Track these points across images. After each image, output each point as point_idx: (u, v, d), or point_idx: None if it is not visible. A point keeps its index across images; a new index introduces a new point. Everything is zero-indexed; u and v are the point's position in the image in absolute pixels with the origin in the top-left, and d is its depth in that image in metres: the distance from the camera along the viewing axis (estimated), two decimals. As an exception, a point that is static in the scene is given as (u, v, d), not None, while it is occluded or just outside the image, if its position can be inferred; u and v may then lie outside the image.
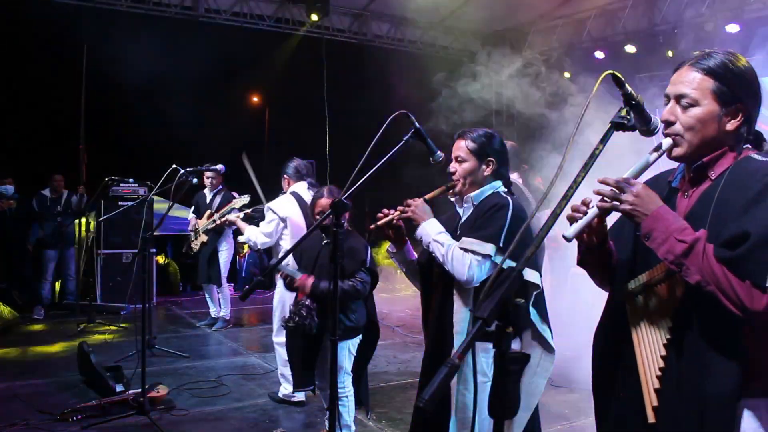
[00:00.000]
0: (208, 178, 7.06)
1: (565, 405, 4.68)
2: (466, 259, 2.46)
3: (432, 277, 2.72)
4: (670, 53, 8.49)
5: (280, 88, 10.66)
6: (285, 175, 5.17)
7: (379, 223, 2.59)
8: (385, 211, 2.61)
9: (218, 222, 6.77)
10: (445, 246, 2.50)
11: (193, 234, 7.19)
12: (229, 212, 6.79)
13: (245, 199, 6.74)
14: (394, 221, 2.60)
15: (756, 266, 1.44)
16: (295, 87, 10.33)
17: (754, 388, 1.52)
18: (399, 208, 2.59)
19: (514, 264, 1.35)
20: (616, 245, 1.79)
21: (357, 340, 3.63)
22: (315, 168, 10.31)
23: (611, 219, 1.77)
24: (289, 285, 3.54)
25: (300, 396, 4.72)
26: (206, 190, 7.24)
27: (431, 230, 2.54)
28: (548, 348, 2.54)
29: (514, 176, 5.04)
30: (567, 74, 9.97)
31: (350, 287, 3.39)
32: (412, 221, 2.58)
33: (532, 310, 2.48)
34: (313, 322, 3.45)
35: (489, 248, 2.46)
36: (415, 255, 2.77)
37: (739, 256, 1.45)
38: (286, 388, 4.77)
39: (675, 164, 1.76)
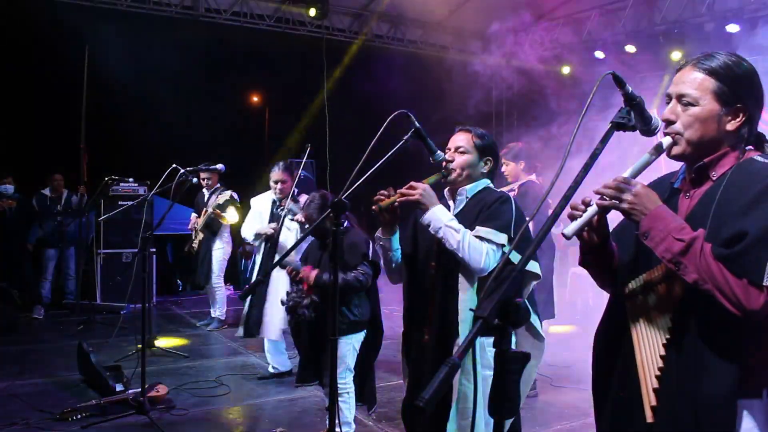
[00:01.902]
0: (203, 179, 7.06)
1: (565, 405, 4.69)
2: (482, 247, 2.47)
3: (420, 269, 2.70)
4: (671, 54, 8.50)
5: (280, 88, 10.65)
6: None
7: (382, 204, 2.53)
8: (384, 192, 2.55)
9: (211, 216, 6.89)
10: (460, 233, 2.47)
11: (193, 233, 7.22)
12: (216, 207, 6.88)
13: (227, 194, 6.88)
14: (396, 203, 2.55)
15: (753, 263, 1.44)
16: (295, 87, 10.33)
17: (749, 387, 1.52)
18: (399, 191, 2.53)
19: (519, 256, 1.35)
20: (618, 246, 1.79)
21: (361, 336, 3.66)
22: (315, 167, 10.35)
23: (615, 221, 1.77)
24: (294, 278, 3.64)
25: (287, 366, 5.27)
26: (204, 190, 7.25)
27: (443, 216, 2.51)
28: (538, 337, 2.63)
29: (533, 177, 5.05)
30: (566, 72, 10.01)
31: (353, 278, 3.50)
32: (419, 205, 2.53)
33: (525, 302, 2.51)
34: (311, 311, 3.53)
35: (503, 238, 2.50)
36: (399, 245, 2.74)
37: (736, 253, 1.46)
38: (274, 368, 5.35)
39: (679, 165, 1.76)
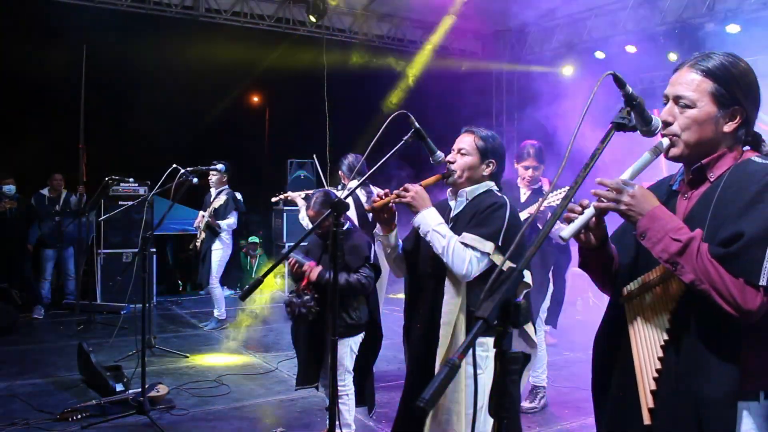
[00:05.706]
0: (210, 175, 7.08)
1: (565, 405, 4.69)
2: (466, 254, 2.48)
3: (418, 266, 2.73)
4: (671, 55, 8.49)
5: (280, 88, 10.66)
6: (340, 171, 5.32)
7: (375, 205, 2.60)
8: (381, 194, 2.61)
9: (207, 219, 6.93)
10: (446, 238, 2.50)
11: (198, 231, 7.25)
12: (213, 211, 6.90)
13: (225, 197, 6.95)
14: (391, 204, 2.60)
15: (749, 263, 1.44)
16: (295, 87, 10.34)
17: (746, 389, 1.52)
18: (395, 192, 2.59)
19: (512, 264, 1.35)
20: (618, 249, 1.79)
21: (359, 338, 3.67)
22: (314, 168, 10.35)
23: (616, 223, 1.77)
24: (297, 272, 3.63)
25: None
26: (212, 189, 7.25)
27: (431, 220, 2.54)
28: (531, 344, 2.65)
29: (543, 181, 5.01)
30: (567, 72, 10.00)
31: (356, 281, 3.50)
32: (410, 207, 2.57)
33: None
34: (313, 309, 3.54)
35: (489, 246, 2.49)
36: (400, 241, 2.78)
37: (732, 252, 1.46)
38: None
39: (677, 167, 1.76)
